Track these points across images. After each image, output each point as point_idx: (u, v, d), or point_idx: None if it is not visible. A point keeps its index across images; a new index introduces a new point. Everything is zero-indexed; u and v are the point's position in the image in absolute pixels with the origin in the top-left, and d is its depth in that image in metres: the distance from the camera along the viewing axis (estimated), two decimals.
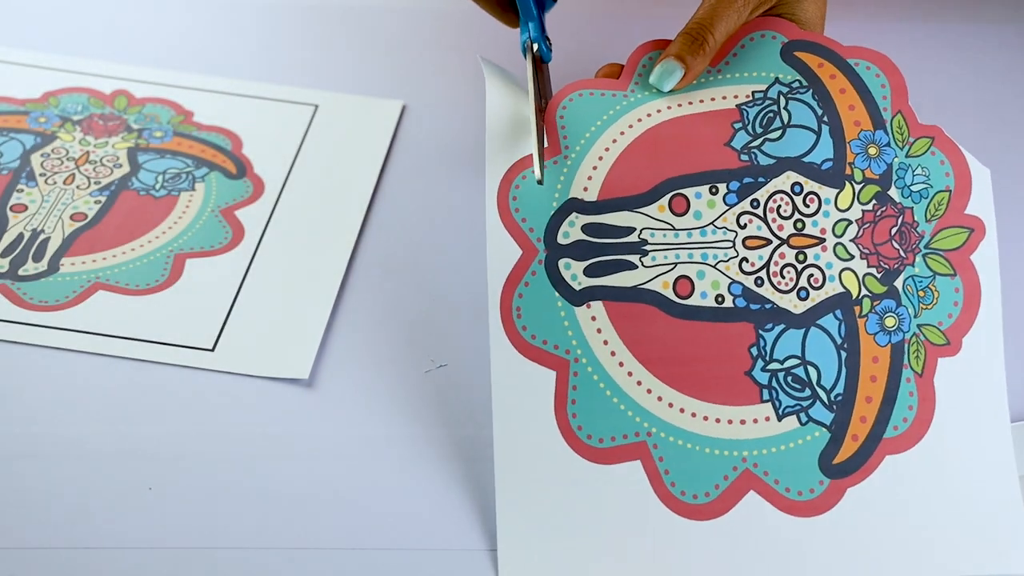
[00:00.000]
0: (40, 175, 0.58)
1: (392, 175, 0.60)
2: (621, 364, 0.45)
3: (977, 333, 0.47)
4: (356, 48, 0.67)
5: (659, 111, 0.48)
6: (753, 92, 0.48)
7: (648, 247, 0.46)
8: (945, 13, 0.71)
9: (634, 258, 0.46)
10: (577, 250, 0.46)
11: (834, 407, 0.45)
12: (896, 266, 0.47)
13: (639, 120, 0.48)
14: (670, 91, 0.49)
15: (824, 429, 0.45)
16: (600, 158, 0.47)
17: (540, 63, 0.51)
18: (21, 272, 0.54)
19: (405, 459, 0.48)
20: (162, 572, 0.44)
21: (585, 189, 0.47)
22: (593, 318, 0.45)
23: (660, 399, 0.45)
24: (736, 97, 0.48)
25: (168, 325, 0.52)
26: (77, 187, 0.58)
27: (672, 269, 0.45)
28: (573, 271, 0.46)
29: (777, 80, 0.48)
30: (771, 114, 0.48)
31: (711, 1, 0.49)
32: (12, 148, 0.59)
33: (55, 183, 0.58)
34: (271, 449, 0.48)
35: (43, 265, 0.54)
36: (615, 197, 0.46)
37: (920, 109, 0.50)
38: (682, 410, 0.45)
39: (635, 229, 0.46)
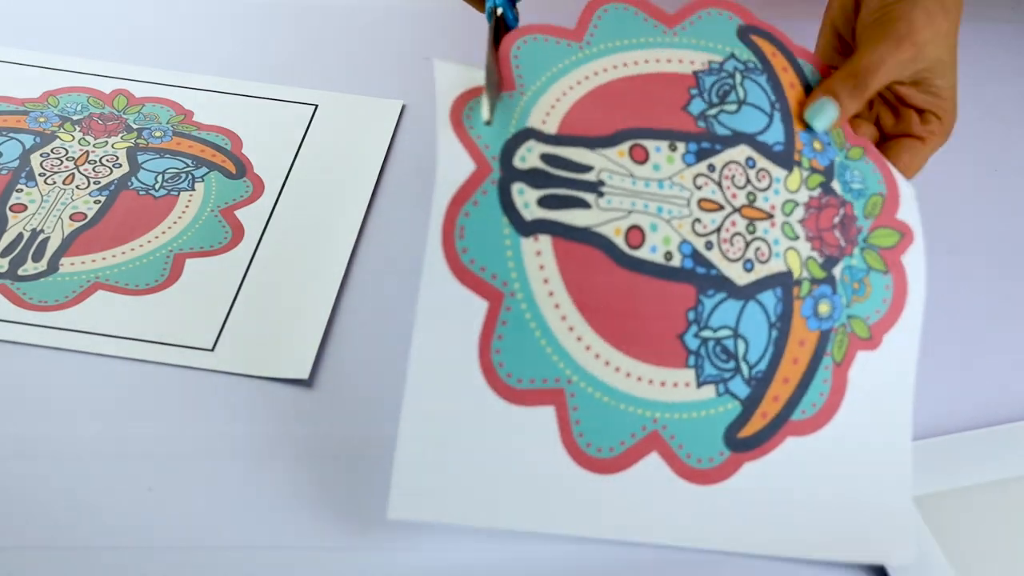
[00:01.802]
0: (40, 175, 0.58)
1: (392, 175, 0.60)
2: (557, 306, 0.44)
3: (898, 332, 0.47)
4: (356, 48, 0.67)
5: (615, 67, 0.48)
6: (709, 61, 0.48)
7: (605, 189, 0.45)
8: None
9: (590, 197, 0.45)
10: (533, 177, 0.45)
11: (752, 383, 0.45)
12: (836, 254, 0.47)
13: (595, 73, 0.47)
14: (822, 128, 0.48)
15: (737, 403, 0.45)
16: (558, 100, 0.46)
17: (504, 30, 0.50)
18: (21, 272, 0.54)
19: None
20: (162, 572, 0.44)
21: (543, 122, 0.46)
22: (538, 252, 0.44)
23: (588, 348, 0.44)
24: (692, 63, 0.48)
25: (168, 325, 0.52)
26: (77, 187, 0.58)
27: (626, 216, 0.45)
28: (526, 198, 0.44)
29: (733, 55, 0.48)
30: (727, 87, 0.47)
31: (878, 47, 0.47)
32: (12, 148, 0.59)
33: (55, 183, 0.58)
34: (271, 449, 0.48)
35: (43, 265, 0.54)
36: (575, 134, 0.46)
37: None
38: (607, 363, 0.44)
39: (593, 168, 0.45)
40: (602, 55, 0.48)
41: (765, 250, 0.46)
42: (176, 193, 0.58)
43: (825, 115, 0.48)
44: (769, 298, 0.45)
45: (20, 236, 0.55)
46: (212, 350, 0.51)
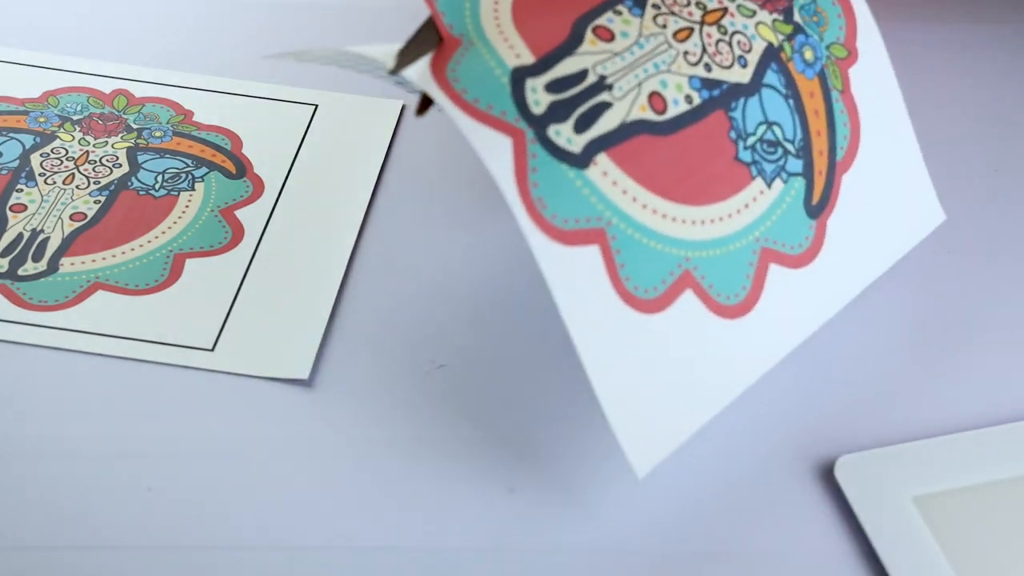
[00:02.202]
0: (40, 175, 0.58)
1: (392, 175, 0.60)
2: (644, 206, 0.45)
3: (862, 36, 0.51)
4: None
5: None
6: None
7: (609, 80, 0.45)
8: (944, 13, 0.71)
9: (605, 95, 0.45)
10: (555, 112, 0.44)
11: (800, 153, 0.48)
12: (786, 3, 0.49)
13: None
14: None
15: (800, 177, 0.48)
16: (497, 26, 0.46)
17: None
18: (20, 272, 0.54)
19: (405, 459, 0.48)
20: (162, 572, 0.44)
21: (517, 56, 0.45)
22: (605, 173, 0.44)
23: (655, 211, 0.45)
24: None
25: (168, 325, 0.52)
26: (77, 187, 0.58)
27: (639, 90, 0.45)
28: (565, 135, 0.44)
29: None
30: None
31: None
32: (11, 148, 0.59)
33: (55, 183, 0.58)
34: (271, 449, 0.48)
35: (43, 265, 0.54)
36: (549, 51, 0.46)
37: (919, 108, 0.50)
38: (654, 211, 0.45)
39: (586, 70, 0.45)
40: None
41: (744, 39, 0.48)
42: (176, 193, 0.58)
43: None
44: (772, 76, 0.48)
45: (20, 236, 0.55)
46: (212, 350, 0.51)
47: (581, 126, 0.45)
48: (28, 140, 0.60)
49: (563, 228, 0.43)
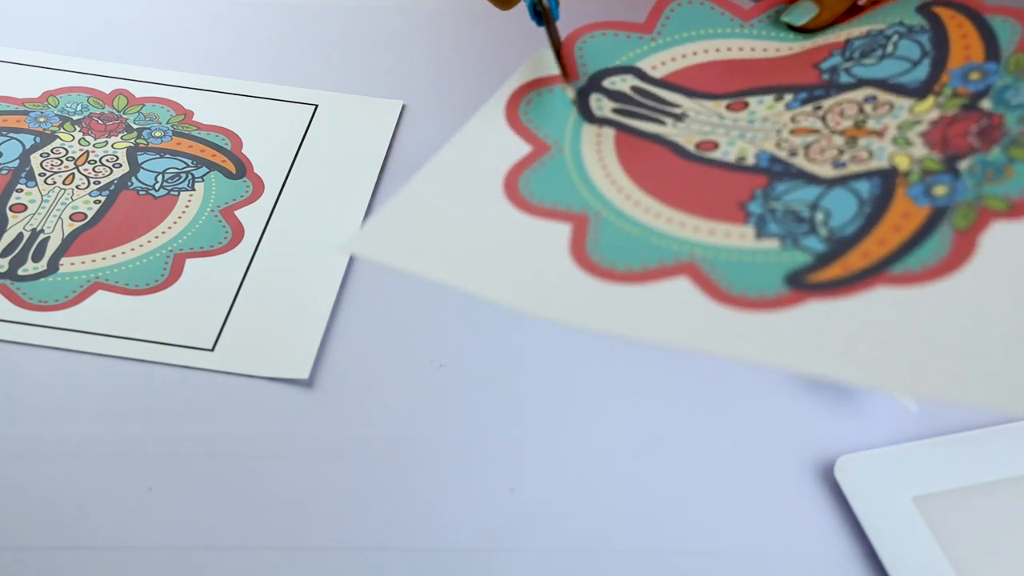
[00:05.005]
0: (40, 175, 0.58)
1: (392, 175, 0.60)
2: (605, 168, 0.41)
3: None
4: (356, 48, 0.67)
5: (704, 51, 0.45)
6: (870, 30, 0.45)
7: (686, 118, 0.42)
8: None
9: (667, 120, 0.42)
10: (615, 96, 0.43)
11: (830, 241, 0.40)
12: (963, 152, 0.40)
13: (683, 56, 0.44)
14: (796, 28, 0.45)
15: (808, 255, 0.39)
16: (663, 63, 0.44)
17: (550, 20, 0.47)
18: (21, 272, 0.54)
19: (405, 459, 0.48)
20: (162, 572, 0.44)
21: (653, 68, 0.43)
22: (599, 135, 0.42)
23: (628, 197, 0.41)
24: (850, 34, 0.44)
25: (168, 325, 0.52)
26: (77, 187, 0.58)
27: (701, 134, 0.42)
28: (601, 104, 0.42)
29: (901, 22, 0.44)
30: (876, 44, 0.44)
31: None
32: (12, 148, 0.59)
33: (55, 183, 0.58)
34: (271, 449, 0.48)
35: (43, 265, 0.54)
36: (681, 84, 0.43)
37: None
38: (647, 209, 0.41)
39: (681, 106, 0.43)
40: (681, 43, 0.45)
41: (864, 155, 0.41)
42: (176, 193, 0.58)
43: (799, 12, 0.45)
44: (862, 186, 0.40)
45: (20, 236, 0.55)
46: (212, 350, 0.51)
47: (621, 112, 0.43)
48: (28, 140, 0.60)
49: (540, 206, 0.41)
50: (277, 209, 0.58)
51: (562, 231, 0.41)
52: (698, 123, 0.43)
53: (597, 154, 0.42)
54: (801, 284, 0.39)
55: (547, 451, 0.48)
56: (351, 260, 0.56)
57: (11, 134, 0.60)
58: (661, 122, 0.43)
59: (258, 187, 0.59)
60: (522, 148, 0.42)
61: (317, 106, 0.64)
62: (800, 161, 0.41)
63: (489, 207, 0.41)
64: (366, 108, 0.64)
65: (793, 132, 0.42)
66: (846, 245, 0.39)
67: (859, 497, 0.47)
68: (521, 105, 0.43)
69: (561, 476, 0.48)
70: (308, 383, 0.50)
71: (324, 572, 0.44)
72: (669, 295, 0.39)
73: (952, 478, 0.48)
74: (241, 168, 0.60)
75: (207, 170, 0.59)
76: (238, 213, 0.57)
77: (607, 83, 0.43)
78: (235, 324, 0.52)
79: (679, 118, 0.43)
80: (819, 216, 0.40)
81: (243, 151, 0.61)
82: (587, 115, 0.43)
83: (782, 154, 0.41)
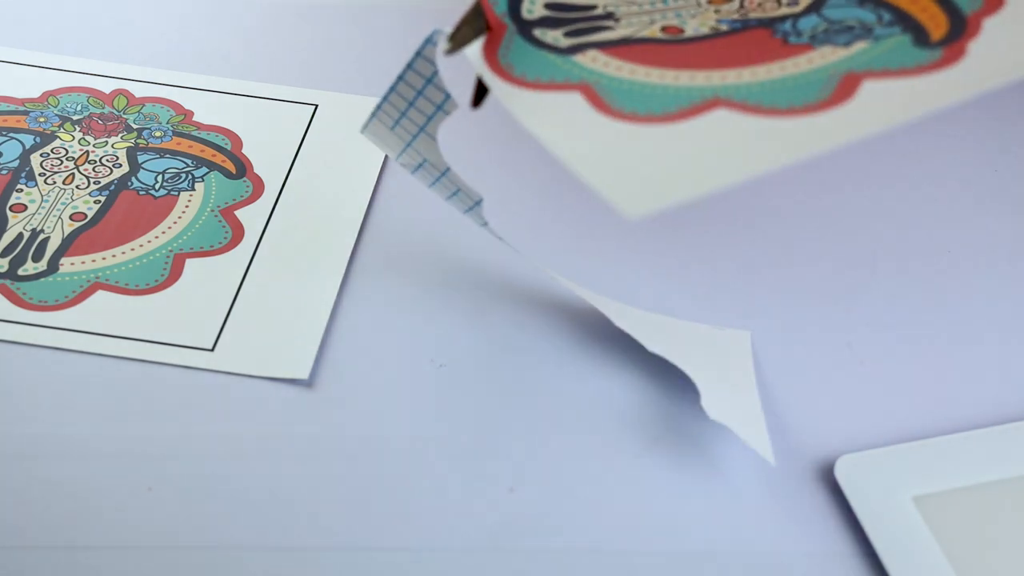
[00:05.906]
0: (40, 175, 0.58)
1: (392, 175, 0.60)
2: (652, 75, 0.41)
3: None
4: (356, 48, 0.67)
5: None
6: None
7: (619, 14, 0.43)
8: None
9: (608, 23, 0.42)
10: (547, 22, 0.43)
11: (891, 23, 0.40)
12: None
13: None
14: None
15: (895, 28, 0.40)
16: None
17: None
18: (21, 272, 0.54)
19: (405, 459, 0.48)
20: (162, 572, 0.44)
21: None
22: (593, 59, 0.42)
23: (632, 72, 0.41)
24: None
25: (168, 325, 0.52)
26: (77, 187, 0.58)
27: (653, 23, 0.42)
28: (551, 36, 0.42)
29: None
30: None
31: None
32: (11, 148, 0.59)
33: (55, 183, 0.58)
34: (271, 449, 0.48)
35: (43, 265, 0.54)
36: None
37: None
38: (647, 73, 0.41)
39: (597, 6, 0.43)
40: None
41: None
42: (176, 193, 0.58)
43: None
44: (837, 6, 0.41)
45: (20, 236, 0.55)
46: (212, 350, 0.51)
47: (573, 35, 0.42)
48: (28, 140, 0.60)
49: (534, 82, 0.41)
50: (277, 209, 0.58)
51: (576, 98, 0.40)
52: (632, 15, 0.43)
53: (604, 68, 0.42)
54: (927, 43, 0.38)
55: (547, 451, 0.48)
56: (351, 260, 0.56)
57: (11, 134, 0.60)
58: (609, 28, 0.43)
59: (258, 187, 0.59)
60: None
61: (317, 106, 0.64)
62: (759, 14, 0.42)
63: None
64: (366, 108, 0.63)
65: (712, 1, 0.43)
66: (902, 17, 0.39)
67: (859, 497, 0.47)
68: (510, 72, 0.42)
69: (561, 476, 0.48)
70: (308, 383, 0.50)
71: (324, 572, 0.44)
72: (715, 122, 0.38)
73: (952, 478, 0.48)
74: (241, 168, 0.60)
75: (207, 170, 0.59)
76: (238, 213, 0.57)
77: (525, 13, 0.43)
78: (235, 324, 0.52)
79: (614, 18, 0.43)
80: (850, 20, 0.40)
81: (243, 151, 0.61)
82: (557, 52, 0.42)
83: (735, 13, 0.42)
